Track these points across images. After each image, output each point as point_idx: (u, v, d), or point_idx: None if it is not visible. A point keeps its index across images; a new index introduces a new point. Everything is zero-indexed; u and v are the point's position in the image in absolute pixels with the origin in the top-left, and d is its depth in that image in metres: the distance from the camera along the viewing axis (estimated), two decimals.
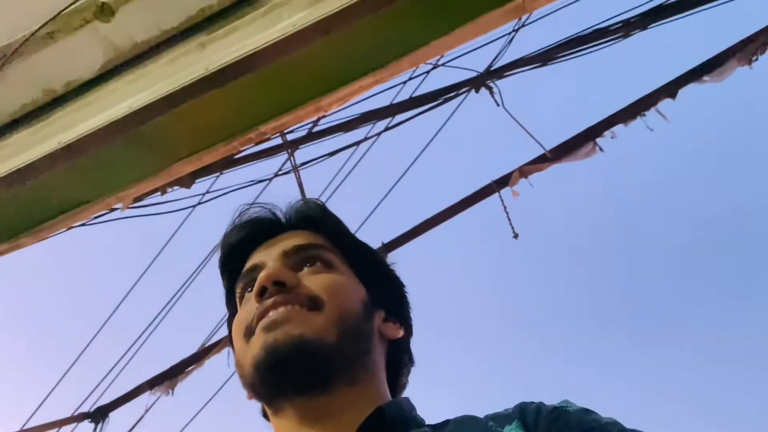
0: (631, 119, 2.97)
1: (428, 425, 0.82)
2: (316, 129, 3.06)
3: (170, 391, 3.59)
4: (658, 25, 2.80)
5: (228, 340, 0.96)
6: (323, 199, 3.37)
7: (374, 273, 0.97)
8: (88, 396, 3.72)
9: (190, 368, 3.60)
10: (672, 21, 2.77)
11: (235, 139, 1.34)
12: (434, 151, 3.61)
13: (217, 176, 3.03)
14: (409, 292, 1.01)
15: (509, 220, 3.12)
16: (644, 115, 2.94)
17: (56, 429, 3.63)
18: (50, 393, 3.78)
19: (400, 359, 0.95)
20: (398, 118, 3.16)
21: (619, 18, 2.83)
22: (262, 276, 0.86)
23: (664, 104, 2.92)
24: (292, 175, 3.06)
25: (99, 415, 3.69)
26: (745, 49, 2.77)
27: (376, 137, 3.23)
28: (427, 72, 3.06)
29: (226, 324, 0.99)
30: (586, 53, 2.89)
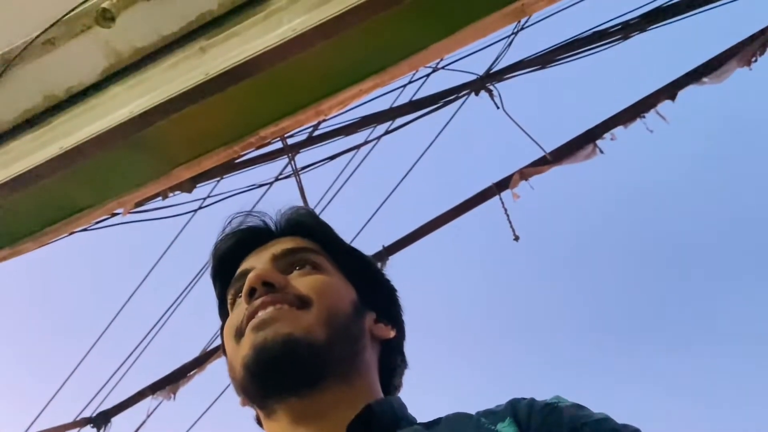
0: (631, 121, 2.97)
1: (420, 423, 0.82)
2: (316, 133, 3.06)
3: (172, 396, 3.59)
4: (657, 27, 2.81)
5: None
6: (324, 202, 3.38)
7: (364, 276, 0.98)
8: (91, 401, 3.73)
9: (191, 373, 3.60)
10: (671, 23, 2.78)
11: (236, 144, 1.34)
12: (434, 155, 3.62)
13: (218, 181, 3.04)
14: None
15: (510, 222, 3.12)
16: (644, 116, 2.94)
17: None
18: (53, 398, 3.79)
19: (392, 360, 0.96)
20: (398, 121, 3.17)
21: (618, 20, 2.84)
22: (251, 277, 0.87)
23: (664, 106, 2.92)
24: (292, 179, 3.07)
25: (101, 419, 3.69)
26: (744, 51, 2.77)
27: (376, 141, 3.24)
28: (427, 75, 3.07)
29: (219, 333, 0.99)
30: (586, 55, 2.89)
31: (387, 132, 3.20)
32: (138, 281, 3.84)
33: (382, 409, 0.81)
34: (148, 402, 3.62)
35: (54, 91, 1.37)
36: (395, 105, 3.12)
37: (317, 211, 3.05)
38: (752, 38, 2.77)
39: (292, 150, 3.03)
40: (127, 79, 1.33)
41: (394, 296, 1.02)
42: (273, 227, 1.01)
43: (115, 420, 3.70)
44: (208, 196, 3.07)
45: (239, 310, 0.88)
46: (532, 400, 0.78)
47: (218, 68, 1.23)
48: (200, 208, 3.09)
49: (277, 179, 3.16)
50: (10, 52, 1.34)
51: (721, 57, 2.83)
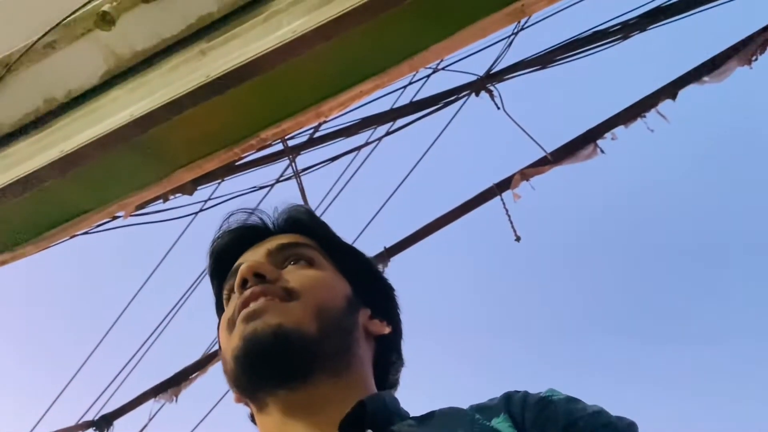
0: (632, 121, 2.97)
1: (413, 417, 0.82)
2: (317, 135, 3.06)
3: (174, 399, 3.59)
4: (657, 26, 2.80)
5: None
6: (325, 204, 3.38)
7: (360, 272, 0.98)
8: (93, 404, 3.72)
9: (193, 375, 3.60)
10: (671, 22, 2.77)
11: (237, 146, 1.34)
12: (435, 156, 3.62)
13: (219, 183, 3.04)
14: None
15: (511, 223, 3.12)
16: (644, 116, 2.94)
17: None
18: (55, 401, 3.79)
19: (387, 357, 0.96)
20: (399, 122, 3.17)
21: (618, 20, 2.83)
22: (242, 268, 0.88)
23: (664, 105, 2.92)
24: (293, 181, 3.07)
25: (103, 423, 3.68)
26: (744, 49, 2.77)
27: (377, 142, 3.24)
28: (427, 76, 3.07)
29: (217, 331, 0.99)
30: (586, 55, 2.89)
31: (388, 133, 3.20)
32: (140, 284, 3.84)
33: (374, 404, 0.80)
34: (150, 405, 3.62)
35: (54, 94, 1.37)
36: (396, 106, 3.12)
37: (318, 212, 3.05)
38: (752, 37, 2.77)
39: (292, 152, 3.03)
40: (127, 82, 1.33)
41: (391, 294, 1.02)
42: (270, 225, 1.01)
43: (117, 423, 3.70)
44: (209, 199, 3.07)
45: (232, 302, 0.89)
46: (526, 393, 0.78)
47: (218, 70, 1.23)
48: (201, 210, 3.10)
49: (278, 181, 3.15)
50: (10, 56, 1.34)
51: (722, 56, 2.83)
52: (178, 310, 3.63)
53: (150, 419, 3.62)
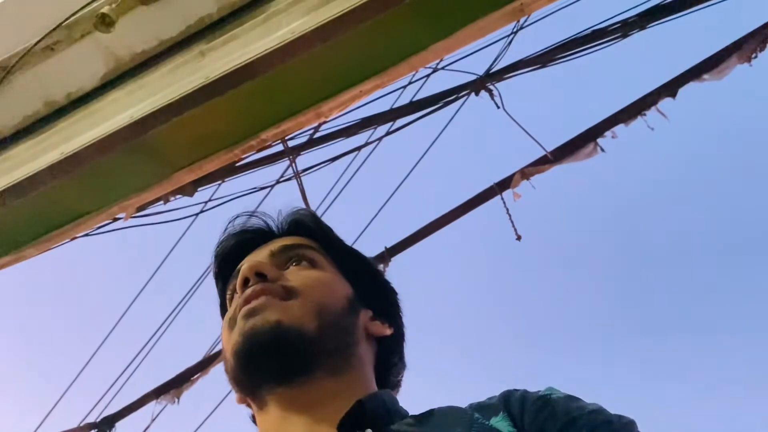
0: (632, 119, 2.97)
1: (412, 416, 0.82)
2: (317, 135, 3.06)
3: (176, 400, 3.59)
4: (657, 24, 2.80)
5: None
6: (325, 204, 3.38)
7: (361, 274, 0.99)
8: (95, 406, 3.72)
9: (195, 377, 3.60)
10: (670, 20, 2.77)
11: (237, 147, 1.34)
12: (435, 155, 3.62)
13: (219, 184, 3.04)
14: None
15: (512, 222, 3.11)
16: (645, 114, 2.94)
17: None
18: (57, 403, 3.79)
19: (388, 358, 0.96)
20: (399, 122, 3.17)
21: (617, 18, 2.83)
22: (244, 268, 0.90)
23: (665, 103, 2.92)
24: (294, 182, 3.07)
25: (105, 424, 3.69)
26: (744, 47, 2.77)
27: (377, 142, 3.24)
28: (427, 76, 3.07)
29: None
30: (586, 54, 2.89)
31: (388, 133, 3.20)
32: (140, 286, 3.84)
33: (373, 404, 0.81)
34: (152, 406, 3.62)
35: (54, 96, 1.38)
36: (395, 106, 3.12)
37: (319, 213, 3.05)
38: (752, 34, 2.76)
39: (293, 152, 3.03)
40: (127, 83, 1.33)
41: (392, 296, 1.03)
42: (274, 228, 1.02)
43: (120, 425, 3.70)
44: (210, 200, 3.07)
45: (234, 302, 0.90)
46: (525, 392, 0.78)
47: (218, 72, 1.23)
48: (202, 211, 3.10)
49: (278, 182, 3.16)
50: (9, 59, 1.34)
51: (721, 53, 2.82)
52: (179, 312, 3.63)
53: (152, 421, 3.62)
